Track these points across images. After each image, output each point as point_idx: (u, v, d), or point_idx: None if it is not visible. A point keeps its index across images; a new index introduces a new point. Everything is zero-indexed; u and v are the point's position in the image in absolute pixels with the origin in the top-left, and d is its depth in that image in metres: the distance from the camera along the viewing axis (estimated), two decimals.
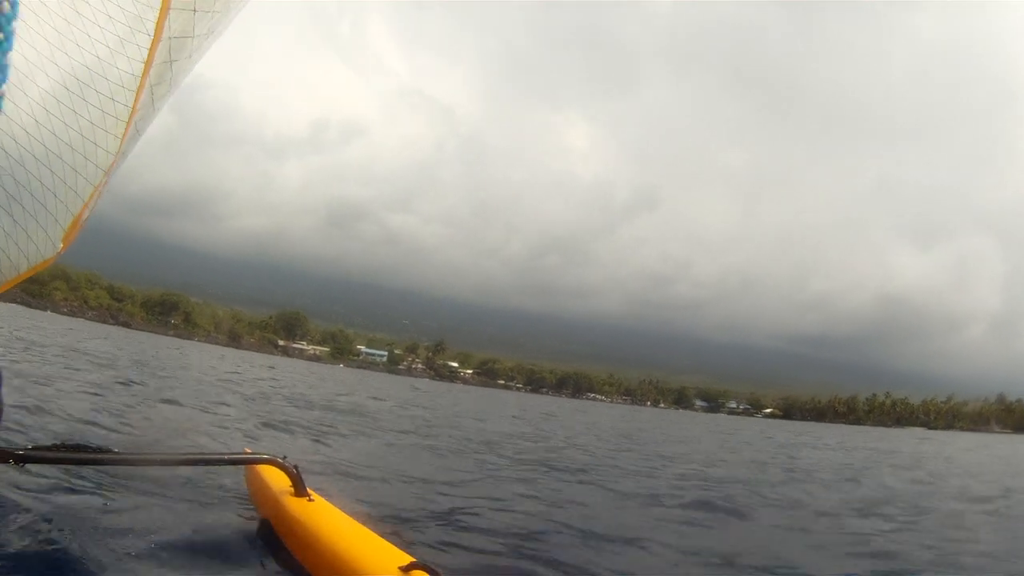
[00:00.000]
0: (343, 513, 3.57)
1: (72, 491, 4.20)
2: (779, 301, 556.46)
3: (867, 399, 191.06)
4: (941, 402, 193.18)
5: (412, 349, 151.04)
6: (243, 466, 4.43)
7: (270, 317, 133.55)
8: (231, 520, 4.26)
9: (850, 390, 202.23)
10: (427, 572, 2.60)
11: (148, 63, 2.32)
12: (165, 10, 2.25)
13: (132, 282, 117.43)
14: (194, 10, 2.32)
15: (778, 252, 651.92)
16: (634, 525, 6.08)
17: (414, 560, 2.72)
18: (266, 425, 9.83)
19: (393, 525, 4.38)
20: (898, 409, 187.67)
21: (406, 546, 3.16)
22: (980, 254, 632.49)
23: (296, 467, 3.72)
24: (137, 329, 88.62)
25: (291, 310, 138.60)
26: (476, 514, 5.48)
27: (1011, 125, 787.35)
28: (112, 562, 3.17)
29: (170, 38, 2.34)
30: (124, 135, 2.44)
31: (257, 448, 5.19)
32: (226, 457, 4.07)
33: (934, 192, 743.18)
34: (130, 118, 2.41)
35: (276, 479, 3.86)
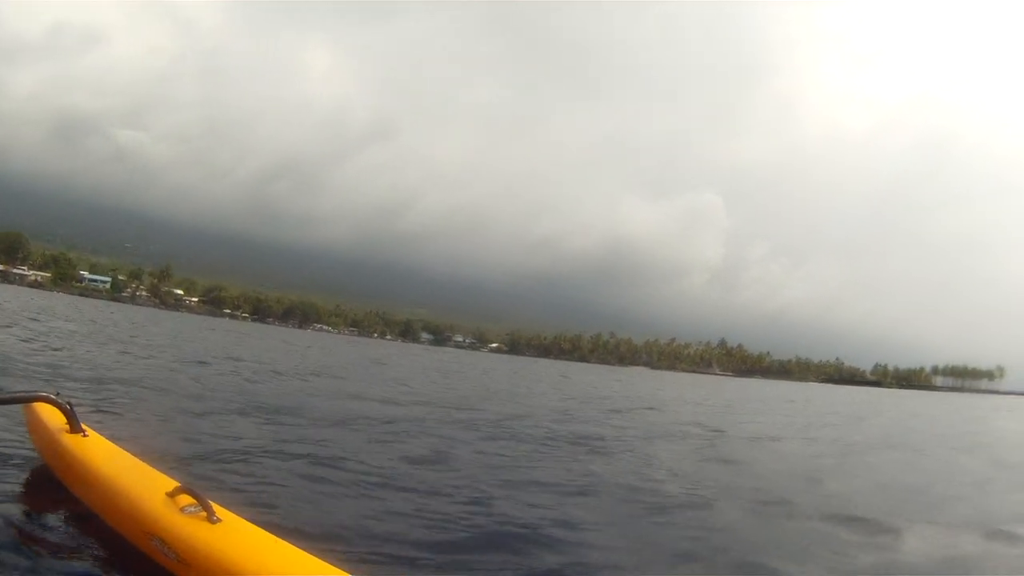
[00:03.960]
0: (116, 446, 3.73)
1: None
2: (508, 238, 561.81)
3: (591, 337, 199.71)
4: (664, 344, 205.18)
5: (136, 275, 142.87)
6: (23, 406, 4.32)
7: None
8: (9, 461, 4.27)
9: (574, 328, 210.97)
10: (190, 494, 2.84)
11: None
12: None
13: None
14: None
15: (511, 190, 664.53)
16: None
17: (179, 484, 2.95)
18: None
19: (164, 455, 4.48)
20: (622, 348, 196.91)
21: (172, 472, 3.39)
22: (706, 209, 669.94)
23: (70, 403, 3.77)
24: None
25: (11, 231, 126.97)
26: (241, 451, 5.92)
27: (745, 93, 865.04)
28: None
29: None
30: None
31: (35, 387, 5.23)
32: None
33: (669, 147, 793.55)
34: None
35: (52, 417, 3.89)
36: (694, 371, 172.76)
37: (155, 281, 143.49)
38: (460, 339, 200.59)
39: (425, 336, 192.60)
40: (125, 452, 3.69)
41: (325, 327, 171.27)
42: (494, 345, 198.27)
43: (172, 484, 3.03)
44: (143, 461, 3.56)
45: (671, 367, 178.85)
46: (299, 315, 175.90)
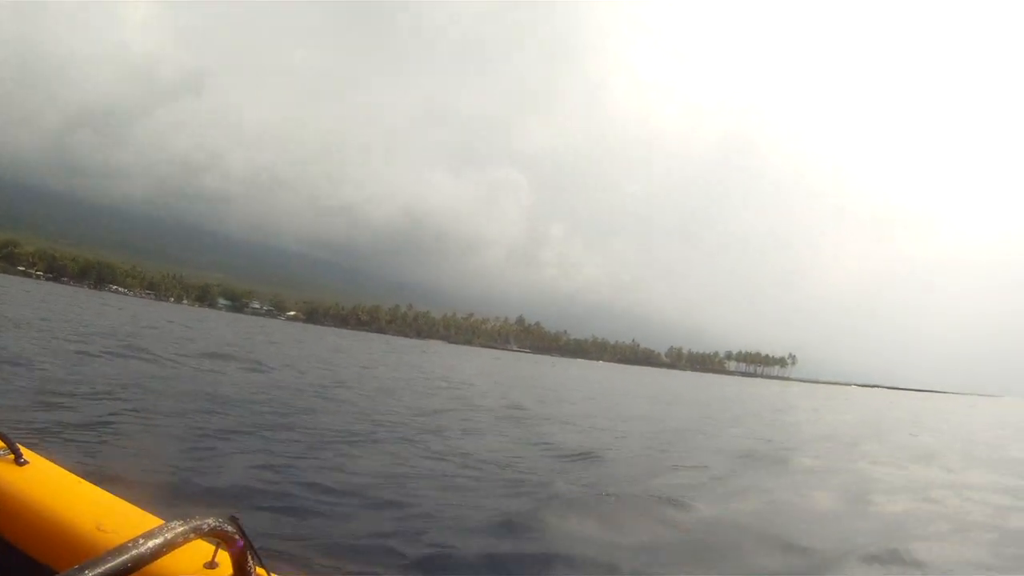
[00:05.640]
0: None
1: None
2: (308, 204, 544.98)
3: (390, 309, 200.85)
4: (462, 318, 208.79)
5: None
6: None
7: None
8: None
9: (373, 299, 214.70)
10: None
11: None
12: None
13: None
14: None
15: (316, 156, 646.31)
16: None
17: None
18: None
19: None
20: (420, 322, 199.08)
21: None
22: (509, 186, 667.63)
23: None
24: None
25: None
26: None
27: (557, 77, 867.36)
28: None
29: None
30: None
31: None
32: None
33: (478, 123, 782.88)
34: None
35: None
36: (491, 346, 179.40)
37: None
38: (257, 306, 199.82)
39: (222, 302, 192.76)
40: None
41: (121, 289, 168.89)
42: (291, 313, 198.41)
43: None
44: None
45: (468, 342, 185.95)
46: (95, 275, 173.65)
